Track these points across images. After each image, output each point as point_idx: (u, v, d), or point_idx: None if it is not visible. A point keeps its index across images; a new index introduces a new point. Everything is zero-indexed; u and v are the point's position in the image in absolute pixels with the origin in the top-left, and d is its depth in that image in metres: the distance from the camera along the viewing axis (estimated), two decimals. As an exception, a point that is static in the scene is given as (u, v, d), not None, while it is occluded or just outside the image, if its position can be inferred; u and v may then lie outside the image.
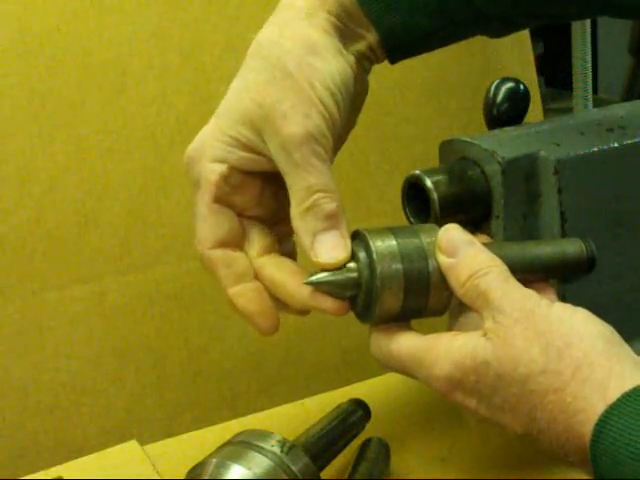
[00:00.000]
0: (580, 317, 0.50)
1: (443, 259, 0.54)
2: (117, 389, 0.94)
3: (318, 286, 0.55)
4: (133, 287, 0.94)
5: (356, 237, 0.57)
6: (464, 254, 0.54)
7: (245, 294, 0.60)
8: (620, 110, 0.76)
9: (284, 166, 0.57)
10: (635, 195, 0.69)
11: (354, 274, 0.55)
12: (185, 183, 0.97)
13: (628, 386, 0.46)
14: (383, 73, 1.04)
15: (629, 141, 0.69)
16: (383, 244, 0.55)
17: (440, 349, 0.53)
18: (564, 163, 0.66)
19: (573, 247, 0.60)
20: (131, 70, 0.93)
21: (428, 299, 0.55)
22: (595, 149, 0.68)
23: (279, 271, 0.60)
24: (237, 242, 0.61)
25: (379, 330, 0.57)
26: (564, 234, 0.67)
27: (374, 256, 0.54)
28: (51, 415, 0.91)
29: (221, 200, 0.60)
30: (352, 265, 0.55)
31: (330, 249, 0.56)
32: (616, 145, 0.68)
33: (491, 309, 0.51)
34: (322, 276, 0.55)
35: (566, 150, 0.67)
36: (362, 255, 0.55)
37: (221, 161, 0.60)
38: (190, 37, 0.95)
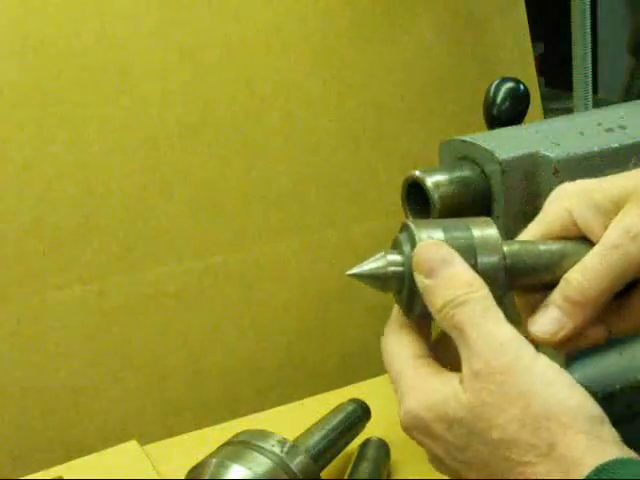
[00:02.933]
0: (564, 383, 0.46)
1: (420, 279, 0.50)
2: (117, 389, 0.94)
3: (360, 278, 0.52)
4: (133, 287, 0.94)
5: (403, 229, 0.54)
6: (441, 276, 0.49)
7: None
8: (620, 110, 0.75)
9: None
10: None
11: (399, 268, 0.52)
12: (185, 183, 0.97)
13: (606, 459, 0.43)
14: (383, 74, 1.05)
15: (629, 141, 0.69)
16: (429, 237, 0.51)
17: (416, 381, 0.50)
18: (564, 163, 0.66)
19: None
20: (131, 70, 0.93)
21: None
22: (595, 149, 0.68)
23: None
24: None
25: (389, 325, 0.54)
26: (564, 234, 0.67)
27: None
28: (51, 415, 0.91)
29: None
30: (397, 258, 0.52)
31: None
32: (616, 145, 0.68)
33: (467, 348, 0.47)
34: (365, 268, 0.52)
35: (566, 150, 0.67)
36: (407, 248, 0.52)
37: None
38: (190, 37, 0.95)
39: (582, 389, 0.46)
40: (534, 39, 1.14)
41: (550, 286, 0.53)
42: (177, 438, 0.84)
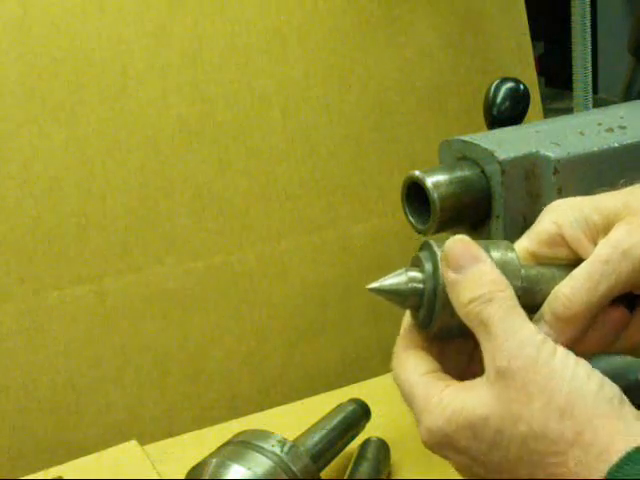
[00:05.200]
0: (583, 372, 0.47)
1: (448, 273, 0.51)
2: (117, 389, 0.94)
3: (380, 293, 0.52)
4: (133, 287, 0.94)
5: (424, 247, 0.54)
6: (469, 271, 0.50)
7: None
8: (620, 110, 0.76)
9: None
10: (635, 195, 0.69)
11: (419, 285, 0.52)
12: (185, 183, 0.97)
13: (633, 445, 0.44)
14: (383, 74, 1.05)
15: (629, 141, 0.69)
16: None
17: (430, 397, 0.50)
18: (564, 163, 0.66)
19: None
20: (131, 70, 0.93)
21: None
22: (595, 149, 0.68)
23: None
24: None
25: (399, 344, 0.54)
26: (564, 234, 0.67)
27: (439, 267, 0.52)
28: (51, 415, 0.91)
29: None
30: (417, 275, 0.52)
31: None
32: (616, 145, 0.68)
33: (492, 346, 0.48)
34: (386, 284, 0.52)
35: (566, 150, 0.67)
36: (428, 265, 0.52)
37: None
38: (190, 37, 0.95)
39: (599, 374, 0.47)
40: (534, 39, 1.14)
41: None
42: (177, 438, 0.84)
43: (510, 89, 0.78)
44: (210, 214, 0.97)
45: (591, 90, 1.16)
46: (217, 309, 0.98)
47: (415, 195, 0.69)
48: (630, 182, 0.55)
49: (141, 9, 0.93)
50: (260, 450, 0.63)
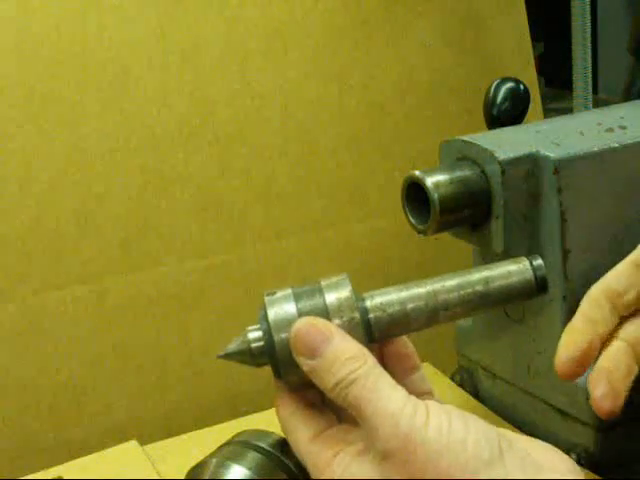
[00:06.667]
0: (458, 437, 0.46)
1: (303, 362, 0.50)
2: (117, 389, 0.94)
3: (228, 358, 0.54)
4: (133, 287, 0.94)
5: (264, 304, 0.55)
6: (324, 355, 0.49)
7: None
8: (620, 110, 0.76)
9: None
10: (635, 195, 0.69)
11: (259, 344, 0.53)
12: (185, 183, 0.97)
13: None
14: (383, 74, 1.05)
15: (629, 141, 0.69)
16: (281, 310, 0.52)
17: (324, 471, 0.50)
18: (564, 163, 0.66)
19: (516, 269, 0.54)
20: (131, 70, 0.93)
21: None
22: (595, 149, 0.68)
23: None
24: None
25: (277, 404, 0.54)
26: (564, 234, 0.67)
27: (271, 325, 0.52)
28: (51, 415, 0.91)
29: None
30: (257, 334, 0.53)
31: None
32: (616, 145, 0.68)
33: (367, 427, 0.48)
34: (231, 347, 0.54)
35: (566, 150, 0.67)
36: (264, 324, 0.53)
37: None
38: (190, 37, 0.95)
39: (476, 425, 0.47)
40: (534, 39, 1.14)
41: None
42: (177, 438, 0.84)
43: (510, 89, 0.78)
44: (210, 214, 0.97)
45: (591, 90, 1.16)
46: (217, 309, 0.98)
47: (415, 195, 0.69)
48: None
49: (141, 9, 0.93)
50: (260, 450, 0.62)
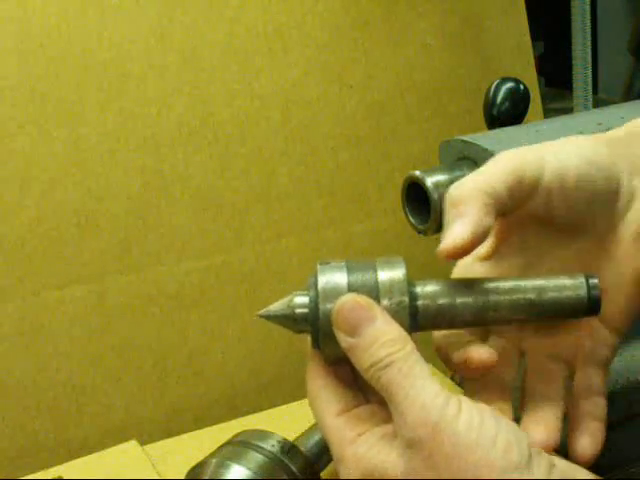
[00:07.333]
0: (489, 434, 0.45)
1: (342, 338, 0.49)
2: (117, 389, 0.94)
3: (269, 319, 0.52)
4: (133, 287, 0.94)
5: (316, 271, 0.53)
6: (363, 335, 0.48)
7: None
8: (620, 110, 0.76)
9: None
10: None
11: (304, 310, 0.52)
12: (185, 183, 0.97)
13: None
14: (383, 74, 1.05)
15: (629, 141, 0.69)
16: (332, 280, 0.51)
17: (346, 447, 0.48)
18: (564, 163, 0.66)
19: (571, 284, 0.52)
20: (131, 70, 0.93)
21: None
22: (595, 149, 0.67)
23: None
24: None
25: (308, 374, 0.52)
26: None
27: (319, 293, 0.51)
28: (51, 415, 0.91)
29: None
30: (304, 300, 0.52)
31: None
32: (616, 145, 0.68)
33: (396, 412, 0.47)
34: (274, 309, 0.53)
35: (566, 150, 0.67)
36: (312, 291, 0.52)
37: None
38: (190, 37, 0.95)
39: (507, 426, 0.46)
40: (534, 39, 1.14)
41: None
42: (177, 438, 0.84)
43: (510, 89, 0.78)
44: (210, 214, 0.97)
45: (591, 90, 1.16)
46: (217, 309, 0.98)
47: (415, 195, 0.69)
48: None
49: (141, 9, 0.93)
50: (260, 450, 0.62)
